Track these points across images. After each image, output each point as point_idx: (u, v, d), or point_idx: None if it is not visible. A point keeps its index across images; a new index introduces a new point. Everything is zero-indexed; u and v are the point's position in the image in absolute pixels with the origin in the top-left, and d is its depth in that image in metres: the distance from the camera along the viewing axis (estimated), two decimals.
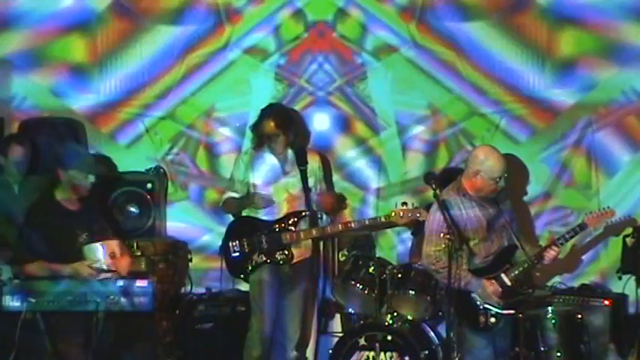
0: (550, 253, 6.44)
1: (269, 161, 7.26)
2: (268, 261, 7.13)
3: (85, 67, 8.13)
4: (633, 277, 7.33)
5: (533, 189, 7.84)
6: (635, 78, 7.81)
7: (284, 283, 7.22)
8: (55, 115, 8.06)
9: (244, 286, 7.46)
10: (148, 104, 8.14)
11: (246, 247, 7.17)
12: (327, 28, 8.01)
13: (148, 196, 7.79)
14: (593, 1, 7.81)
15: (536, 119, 7.91)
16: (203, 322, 7.59)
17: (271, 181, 7.22)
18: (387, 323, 7.08)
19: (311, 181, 7.26)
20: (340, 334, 7.39)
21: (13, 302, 6.06)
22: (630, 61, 7.79)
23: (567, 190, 7.89)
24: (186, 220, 8.13)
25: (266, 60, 8.05)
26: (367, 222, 7.23)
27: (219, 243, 7.36)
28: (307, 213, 7.17)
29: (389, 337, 6.97)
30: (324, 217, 7.37)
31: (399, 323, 7.08)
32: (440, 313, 7.04)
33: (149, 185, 7.85)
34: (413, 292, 7.03)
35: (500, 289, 6.35)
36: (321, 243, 7.61)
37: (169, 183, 8.06)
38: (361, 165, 8.05)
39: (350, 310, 7.42)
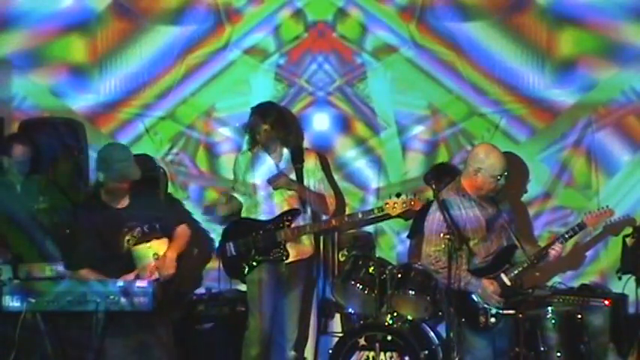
0: (554, 252, 6.46)
1: (264, 161, 7.27)
2: (263, 260, 7.14)
3: (84, 67, 8.13)
4: (633, 277, 7.33)
5: (533, 189, 7.84)
6: (634, 78, 7.80)
7: (281, 283, 7.24)
8: (55, 115, 8.07)
9: (244, 286, 7.46)
10: (148, 104, 8.12)
11: (241, 247, 7.19)
12: (327, 28, 8.00)
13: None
14: (593, 1, 7.81)
15: (536, 119, 7.91)
16: (203, 322, 7.59)
17: (265, 180, 7.24)
18: (387, 323, 7.08)
19: (309, 181, 7.27)
20: (340, 334, 7.40)
21: (13, 302, 6.06)
22: (630, 61, 7.79)
23: (567, 190, 7.89)
24: None
25: (266, 60, 8.04)
26: (360, 215, 7.24)
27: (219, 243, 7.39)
28: (302, 210, 7.18)
29: (389, 337, 6.98)
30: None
31: (399, 323, 7.08)
32: (440, 313, 7.04)
33: None
34: (413, 292, 7.03)
35: (500, 289, 6.36)
36: (321, 243, 7.62)
37: (169, 183, 8.06)
38: (361, 165, 8.05)
39: (350, 310, 7.42)
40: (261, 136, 7.22)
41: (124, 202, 6.38)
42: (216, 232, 7.83)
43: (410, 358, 6.94)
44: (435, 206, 6.41)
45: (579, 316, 7.02)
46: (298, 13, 8.02)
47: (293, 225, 7.19)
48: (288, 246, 7.19)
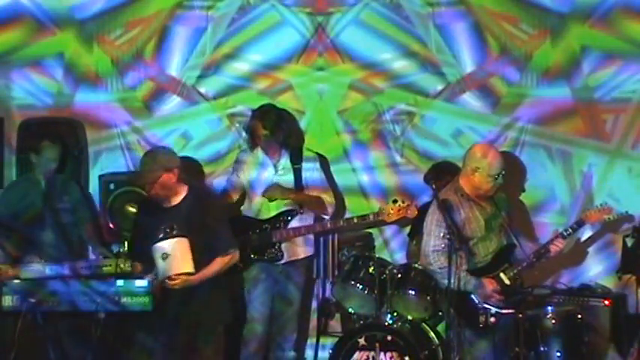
0: (554, 249, 6.47)
1: (262, 161, 7.28)
2: (257, 259, 7.16)
3: (85, 66, 8.14)
4: (633, 277, 7.32)
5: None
6: None
7: (279, 282, 7.24)
8: (55, 115, 8.07)
9: None
10: None
11: None
12: None
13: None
14: None
15: None
16: None
17: (265, 180, 7.25)
18: (387, 323, 7.08)
19: (308, 182, 7.28)
20: (340, 334, 7.40)
21: (13, 302, 6.07)
22: None
23: None
24: None
25: None
26: (356, 220, 7.25)
27: None
28: (299, 211, 7.20)
29: (389, 337, 6.97)
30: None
31: (399, 323, 7.09)
32: (440, 313, 7.04)
33: None
34: (413, 292, 7.03)
35: (499, 289, 6.36)
36: (321, 243, 7.62)
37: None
38: None
39: (350, 310, 7.42)
40: (261, 141, 7.22)
41: (175, 201, 6.27)
42: None
43: (410, 358, 6.94)
44: (434, 206, 6.42)
45: (579, 316, 7.02)
46: None
47: (289, 226, 7.19)
48: (283, 247, 7.20)
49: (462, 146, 7.60)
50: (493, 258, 6.45)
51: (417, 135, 7.93)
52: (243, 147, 7.57)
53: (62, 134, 7.62)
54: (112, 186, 7.49)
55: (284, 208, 7.23)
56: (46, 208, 7.20)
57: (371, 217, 7.20)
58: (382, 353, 6.98)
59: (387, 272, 7.12)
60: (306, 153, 7.37)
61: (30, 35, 8.11)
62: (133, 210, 7.72)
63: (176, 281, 6.04)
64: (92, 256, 7.33)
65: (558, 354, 6.88)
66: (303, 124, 7.89)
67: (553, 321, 6.90)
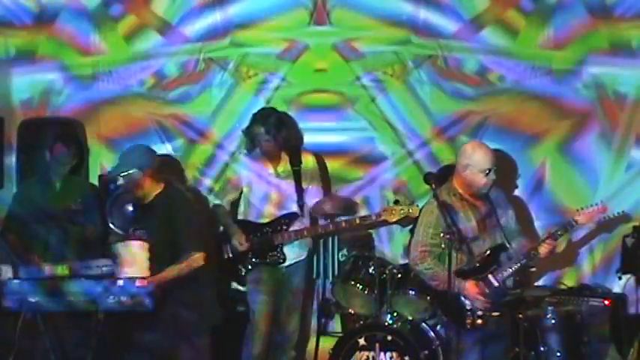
0: (544, 250, 6.31)
1: (262, 164, 7.27)
2: (260, 262, 7.16)
3: (84, 66, 8.14)
4: (633, 277, 7.33)
5: None
6: None
7: (281, 283, 7.24)
8: (55, 115, 8.07)
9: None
10: None
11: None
12: None
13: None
14: None
15: None
16: None
17: (264, 183, 7.25)
18: (387, 323, 7.08)
19: (305, 183, 7.28)
20: (340, 334, 7.40)
21: (13, 302, 6.07)
22: None
23: None
24: None
25: None
26: (358, 221, 7.25)
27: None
28: (300, 214, 7.19)
29: (389, 337, 6.97)
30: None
31: (399, 323, 7.09)
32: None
33: None
34: (413, 292, 7.03)
35: (485, 290, 6.28)
36: (321, 243, 7.62)
37: None
38: None
39: (350, 310, 7.42)
40: (262, 145, 7.22)
41: (148, 198, 6.37)
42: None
43: (410, 358, 6.94)
44: (427, 206, 6.41)
45: (579, 316, 7.02)
46: None
47: (290, 229, 7.20)
48: (285, 249, 7.20)
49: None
50: (482, 259, 6.39)
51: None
52: (242, 149, 7.57)
53: (62, 134, 7.61)
54: (112, 186, 7.49)
55: (285, 212, 7.23)
56: (58, 208, 7.21)
57: (373, 217, 7.20)
58: (382, 353, 6.98)
59: (387, 272, 7.12)
60: (304, 154, 7.37)
61: None
62: (132, 210, 7.75)
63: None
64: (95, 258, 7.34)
65: (558, 354, 6.88)
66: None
67: (553, 321, 6.91)
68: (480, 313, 6.26)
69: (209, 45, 8.01)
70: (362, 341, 7.03)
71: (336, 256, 7.67)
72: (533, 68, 7.83)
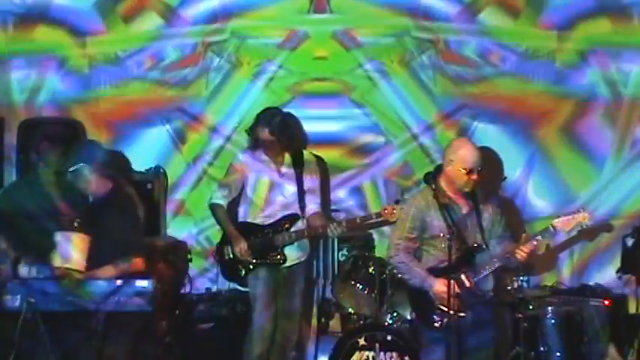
0: (519, 255, 6.21)
1: (265, 164, 7.27)
2: (260, 264, 7.16)
3: (83, 66, 8.14)
4: (633, 277, 7.33)
5: None
6: None
7: (281, 284, 7.24)
8: (55, 115, 8.07)
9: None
10: None
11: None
12: None
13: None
14: None
15: None
16: (203, 322, 7.59)
17: (266, 184, 7.25)
18: (387, 323, 7.08)
19: (307, 184, 7.28)
20: (340, 334, 7.40)
21: (13, 302, 6.06)
22: None
23: None
24: None
25: None
26: (358, 220, 7.24)
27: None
28: (301, 216, 7.20)
29: (389, 337, 6.97)
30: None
31: (399, 323, 7.09)
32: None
33: (149, 185, 7.85)
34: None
35: (456, 290, 6.13)
36: (321, 243, 7.62)
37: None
38: None
39: (350, 310, 7.42)
40: (266, 145, 7.20)
41: (95, 195, 6.41)
42: (215, 236, 7.84)
43: (410, 358, 6.94)
44: (410, 199, 6.50)
45: (579, 316, 7.02)
46: None
47: (291, 229, 7.20)
48: (286, 250, 7.20)
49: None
50: (457, 258, 6.26)
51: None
52: (244, 148, 7.57)
53: (63, 134, 7.61)
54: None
55: (285, 212, 7.23)
56: (46, 209, 7.19)
57: (373, 216, 7.20)
58: (382, 353, 6.98)
59: (387, 272, 7.12)
60: (306, 156, 7.36)
61: None
62: None
63: (62, 273, 6.08)
64: None
65: (558, 354, 6.89)
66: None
67: (553, 321, 6.91)
68: (440, 311, 6.22)
69: (208, 29, 8.02)
70: (362, 341, 7.02)
71: (336, 256, 7.67)
72: (535, 49, 7.82)
